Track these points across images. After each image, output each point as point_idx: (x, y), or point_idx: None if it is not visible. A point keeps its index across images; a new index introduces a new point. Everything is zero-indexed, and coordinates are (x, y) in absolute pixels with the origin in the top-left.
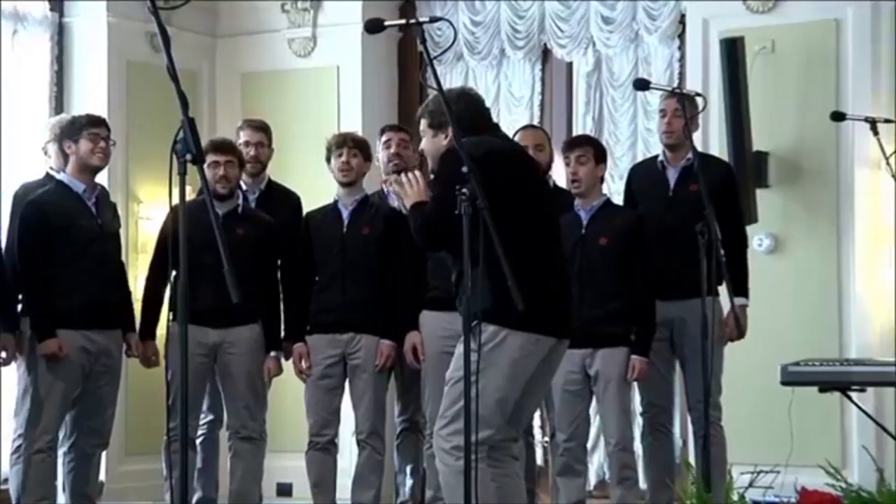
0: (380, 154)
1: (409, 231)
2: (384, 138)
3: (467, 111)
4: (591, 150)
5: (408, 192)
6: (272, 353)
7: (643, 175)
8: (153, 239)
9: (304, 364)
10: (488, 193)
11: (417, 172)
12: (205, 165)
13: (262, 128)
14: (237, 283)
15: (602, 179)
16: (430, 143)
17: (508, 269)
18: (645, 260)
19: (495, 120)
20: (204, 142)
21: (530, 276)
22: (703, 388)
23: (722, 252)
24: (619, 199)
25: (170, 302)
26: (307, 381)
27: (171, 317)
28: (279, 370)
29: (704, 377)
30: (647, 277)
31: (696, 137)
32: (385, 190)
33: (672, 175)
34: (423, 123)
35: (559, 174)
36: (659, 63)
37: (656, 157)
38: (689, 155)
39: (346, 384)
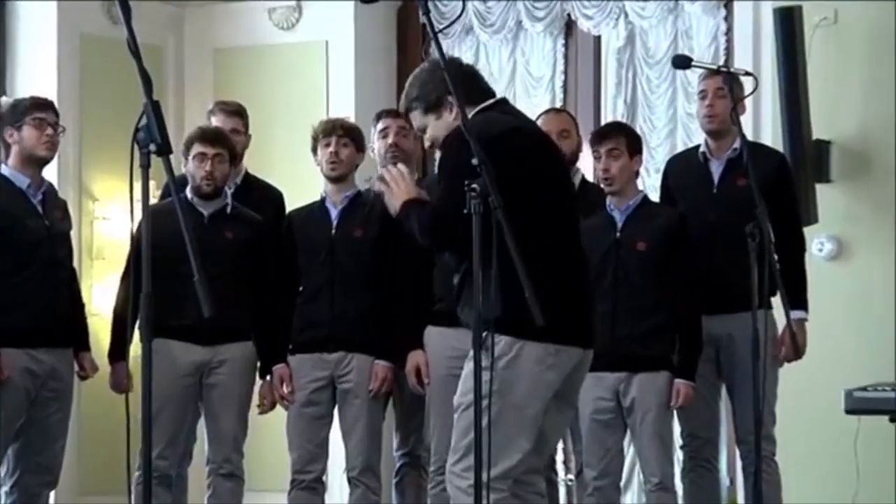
0: (375, 144)
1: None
2: (380, 125)
3: (457, 84)
4: (623, 140)
5: (394, 189)
6: (268, 378)
7: (682, 168)
8: (111, 242)
9: (285, 388)
10: (504, 182)
11: (401, 165)
12: (190, 157)
13: (238, 112)
14: (209, 293)
15: (637, 174)
16: (438, 126)
17: (525, 277)
18: (690, 267)
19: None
20: (171, 129)
21: (549, 279)
22: (755, 417)
23: (776, 258)
24: (654, 196)
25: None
26: (290, 408)
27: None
28: (275, 398)
29: (756, 404)
30: (692, 287)
31: (746, 124)
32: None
33: (716, 168)
34: (417, 114)
35: (587, 166)
36: (702, 37)
37: (697, 147)
38: (736, 144)
39: (336, 412)
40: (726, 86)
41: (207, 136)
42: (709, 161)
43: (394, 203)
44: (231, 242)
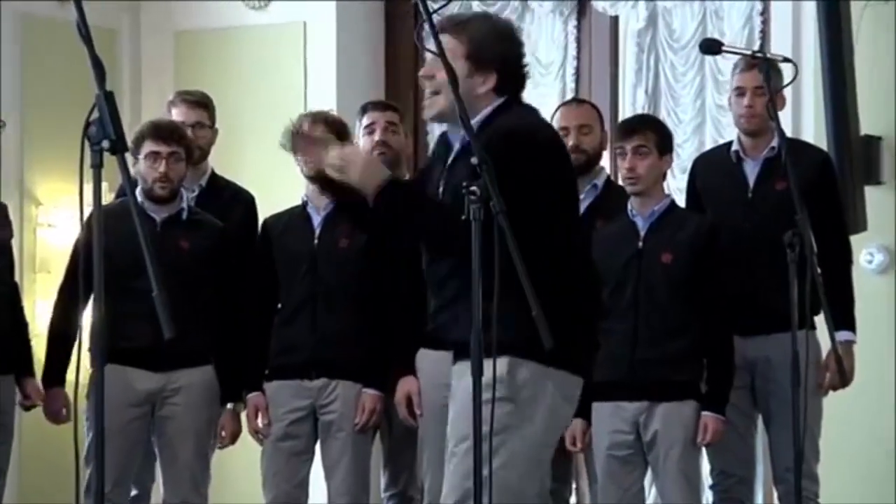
0: (360, 139)
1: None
2: (366, 120)
3: (513, 62)
4: (653, 137)
5: (351, 169)
6: (229, 406)
7: (712, 169)
8: (56, 253)
9: (261, 421)
10: (528, 199)
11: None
12: (140, 157)
13: (202, 103)
14: (170, 311)
15: (665, 175)
16: (461, 80)
17: (532, 293)
18: (722, 282)
19: None
20: (126, 123)
21: (558, 299)
22: (795, 453)
23: (818, 271)
24: (679, 199)
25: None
26: (265, 442)
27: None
28: (238, 429)
29: (796, 438)
30: (724, 306)
31: (785, 118)
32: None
33: (751, 169)
34: (454, 44)
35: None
36: (734, 18)
37: (729, 144)
38: (774, 143)
39: (317, 447)
40: (765, 78)
41: (161, 132)
42: (742, 161)
43: (363, 185)
44: (186, 253)
